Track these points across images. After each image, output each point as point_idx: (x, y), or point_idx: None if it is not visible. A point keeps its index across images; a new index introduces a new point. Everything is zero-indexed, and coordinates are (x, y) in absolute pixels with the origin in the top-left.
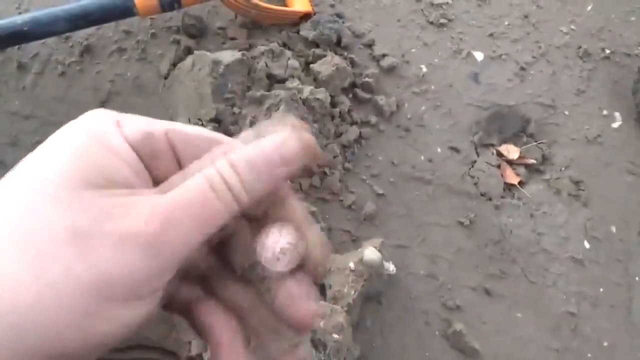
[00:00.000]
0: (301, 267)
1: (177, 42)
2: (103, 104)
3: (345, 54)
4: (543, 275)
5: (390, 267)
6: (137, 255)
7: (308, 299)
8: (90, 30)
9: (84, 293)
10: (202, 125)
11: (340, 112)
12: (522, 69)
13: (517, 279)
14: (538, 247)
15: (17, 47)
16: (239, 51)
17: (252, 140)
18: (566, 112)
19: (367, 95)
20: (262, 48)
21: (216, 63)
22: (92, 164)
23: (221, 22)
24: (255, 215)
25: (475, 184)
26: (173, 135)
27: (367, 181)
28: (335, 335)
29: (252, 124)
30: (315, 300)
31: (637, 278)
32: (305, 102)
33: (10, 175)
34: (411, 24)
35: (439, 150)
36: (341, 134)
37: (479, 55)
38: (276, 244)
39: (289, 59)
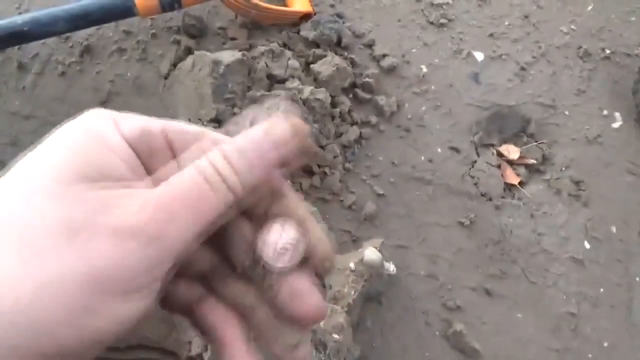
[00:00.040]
0: (303, 263)
1: (178, 42)
2: (103, 104)
3: (346, 54)
4: (543, 276)
5: (391, 267)
6: (132, 248)
7: (311, 294)
8: (91, 30)
9: (79, 288)
10: (203, 125)
11: (340, 113)
12: (523, 69)
13: (518, 279)
14: (538, 247)
15: (17, 47)
16: (239, 51)
17: (241, 129)
18: (566, 112)
19: (367, 96)
20: (262, 48)
21: (216, 63)
22: (88, 159)
23: (221, 22)
24: (256, 212)
25: (476, 184)
26: (170, 132)
27: (368, 181)
28: (336, 336)
29: (252, 124)
30: (318, 295)
31: (637, 278)
32: (305, 102)
33: (8, 172)
34: (411, 24)
35: (439, 150)
36: (341, 134)
37: (479, 56)
38: (278, 240)
39: (289, 59)
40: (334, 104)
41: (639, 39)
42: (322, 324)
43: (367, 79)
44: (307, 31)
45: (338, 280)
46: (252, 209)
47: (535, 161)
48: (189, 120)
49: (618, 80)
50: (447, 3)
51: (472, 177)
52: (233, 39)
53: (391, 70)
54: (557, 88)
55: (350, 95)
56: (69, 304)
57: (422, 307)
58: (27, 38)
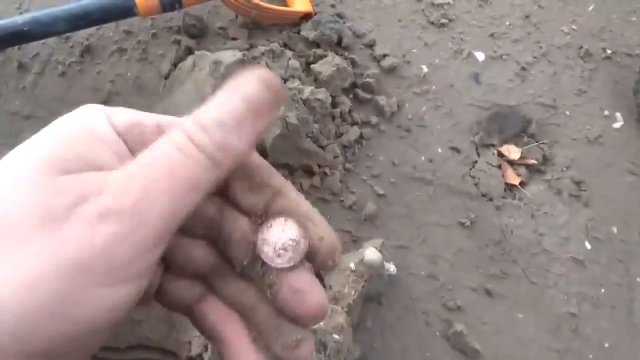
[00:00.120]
0: (302, 261)
1: (178, 42)
2: (103, 104)
3: (346, 54)
4: (544, 276)
5: (391, 267)
6: (112, 232)
7: (312, 291)
8: (91, 30)
9: (60, 278)
10: None
11: (340, 113)
12: (523, 69)
13: (518, 280)
14: (539, 247)
15: (17, 47)
16: (240, 51)
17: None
18: (567, 113)
19: (367, 96)
20: (262, 48)
21: (217, 63)
22: (75, 149)
23: (222, 22)
24: (256, 210)
25: (476, 184)
26: (166, 127)
27: (368, 181)
28: (336, 336)
29: None
30: (320, 292)
31: (638, 279)
32: (305, 102)
33: None
34: (412, 24)
35: (439, 150)
36: (342, 135)
37: (479, 56)
38: (278, 239)
39: (289, 59)
40: (334, 104)
41: None
42: (322, 324)
43: (367, 79)
44: (308, 31)
45: (338, 281)
46: (251, 206)
47: (536, 161)
48: None
49: (619, 80)
50: (448, 3)
51: (473, 177)
52: (234, 39)
53: (392, 70)
54: (557, 88)
55: (351, 96)
56: (51, 295)
57: (423, 308)
58: (27, 38)
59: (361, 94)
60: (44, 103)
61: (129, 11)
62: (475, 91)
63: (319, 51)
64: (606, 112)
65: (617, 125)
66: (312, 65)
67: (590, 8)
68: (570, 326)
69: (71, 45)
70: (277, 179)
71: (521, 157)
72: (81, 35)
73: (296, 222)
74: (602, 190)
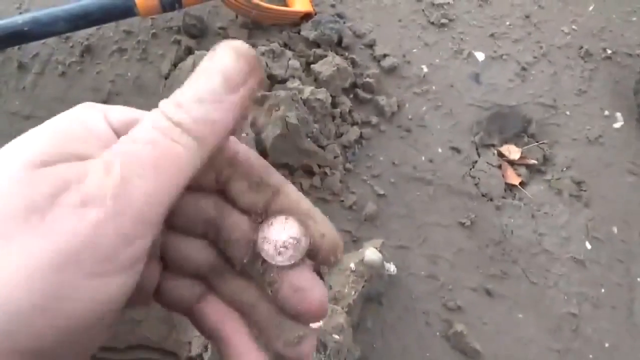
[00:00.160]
0: (303, 259)
1: (178, 42)
2: (103, 104)
3: (346, 54)
4: (544, 276)
5: (391, 267)
6: (96, 218)
7: (314, 289)
8: (91, 30)
9: (48, 271)
10: None
11: (341, 113)
12: (524, 69)
13: (518, 280)
14: (539, 247)
15: (17, 47)
16: None
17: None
18: (567, 113)
19: (368, 96)
20: (262, 48)
21: None
22: (67, 146)
23: (222, 22)
24: (256, 209)
25: (476, 184)
26: None
27: (368, 182)
28: (336, 336)
29: (252, 124)
30: (321, 289)
31: (638, 279)
32: (306, 102)
33: None
34: (412, 24)
35: (439, 150)
36: (342, 135)
37: (480, 56)
38: (278, 237)
39: (289, 59)
40: (334, 104)
41: None
42: (322, 323)
43: (367, 79)
44: (308, 31)
45: (338, 281)
46: (250, 205)
47: (536, 161)
48: None
49: (619, 80)
50: (448, 3)
51: (473, 177)
52: (234, 39)
53: (392, 70)
54: (558, 88)
55: (351, 96)
56: (39, 290)
57: (423, 308)
58: (27, 38)
59: (361, 94)
60: (44, 103)
61: (129, 11)
62: (475, 91)
63: (319, 51)
64: (606, 112)
65: (617, 125)
66: (312, 65)
67: (591, 8)
68: (570, 326)
69: (71, 45)
70: (276, 177)
71: (521, 157)
72: (81, 35)
73: (297, 220)
74: (603, 190)
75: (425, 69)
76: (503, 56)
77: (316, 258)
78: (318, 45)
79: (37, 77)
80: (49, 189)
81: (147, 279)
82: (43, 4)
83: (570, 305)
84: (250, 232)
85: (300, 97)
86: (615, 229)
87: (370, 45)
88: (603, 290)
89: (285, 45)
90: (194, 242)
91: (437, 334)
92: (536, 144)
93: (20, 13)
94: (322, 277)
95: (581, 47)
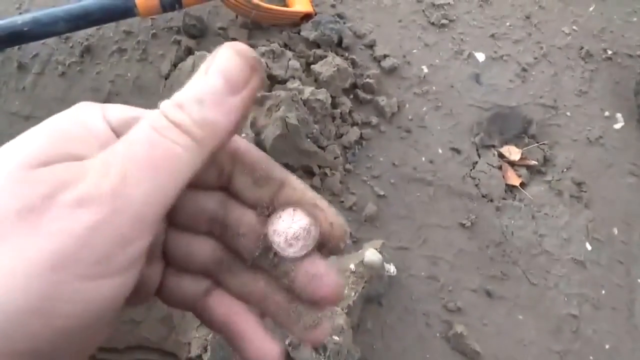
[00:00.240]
0: (314, 248)
1: (178, 42)
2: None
3: (346, 54)
4: (544, 277)
5: (391, 268)
6: (93, 218)
7: (329, 275)
8: (91, 30)
9: (41, 275)
10: None
11: (341, 113)
12: (524, 69)
13: (519, 281)
14: (539, 248)
15: (17, 47)
16: None
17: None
18: (568, 113)
19: (368, 96)
20: (262, 49)
21: None
22: (64, 145)
23: (222, 22)
24: (262, 203)
25: (477, 185)
26: None
27: (368, 182)
28: (336, 337)
29: (252, 124)
30: (335, 274)
31: (639, 280)
32: (306, 102)
33: None
34: (412, 25)
35: (440, 151)
36: (342, 135)
37: (480, 56)
38: (288, 229)
39: (289, 59)
40: (334, 105)
41: None
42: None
43: (367, 80)
44: (308, 32)
45: None
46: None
47: (536, 162)
48: None
49: (620, 81)
50: (448, 4)
51: (473, 178)
52: (234, 39)
53: (392, 70)
54: (558, 89)
55: (351, 96)
56: (35, 290)
57: (423, 309)
58: (27, 38)
59: (361, 94)
60: (44, 103)
61: (129, 11)
62: (475, 92)
63: (319, 52)
64: (607, 113)
65: (617, 126)
66: (312, 66)
67: (591, 9)
68: (570, 327)
69: (71, 45)
70: (279, 170)
71: (522, 158)
72: (81, 35)
73: (305, 210)
74: (603, 191)
75: (425, 70)
76: (503, 57)
77: (326, 246)
78: (318, 46)
79: (37, 77)
80: (46, 189)
81: (148, 278)
82: (43, 4)
83: (570, 306)
84: (258, 225)
85: (301, 98)
86: (615, 230)
87: (371, 46)
88: (603, 292)
89: (286, 45)
90: (198, 239)
91: (437, 335)
92: (536, 144)
93: (20, 13)
94: None
95: (582, 48)
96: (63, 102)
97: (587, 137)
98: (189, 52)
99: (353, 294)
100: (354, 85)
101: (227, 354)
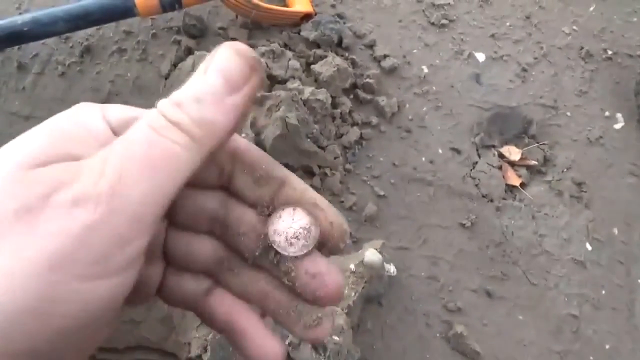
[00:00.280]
0: (314, 247)
1: (178, 42)
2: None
3: (346, 54)
4: (544, 277)
5: (391, 268)
6: (89, 218)
7: (330, 273)
8: (91, 30)
9: (37, 276)
10: None
11: (341, 113)
12: (524, 69)
13: (519, 281)
14: (539, 248)
15: (17, 47)
16: None
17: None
18: (568, 114)
19: (368, 96)
20: (262, 49)
21: None
22: (63, 145)
23: (222, 22)
24: (262, 202)
25: (477, 185)
26: None
27: (368, 182)
28: (336, 338)
29: (252, 125)
30: (336, 272)
31: (639, 280)
32: (306, 102)
33: None
34: (412, 25)
35: (440, 151)
36: (342, 135)
37: (480, 56)
38: (288, 229)
39: (289, 59)
40: (334, 105)
41: None
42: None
43: (368, 80)
44: (308, 32)
45: None
46: (257, 199)
47: (536, 162)
48: None
49: (620, 81)
50: (448, 4)
51: (473, 178)
52: (234, 39)
53: (392, 71)
54: (558, 89)
55: (351, 96)
56: (32, 290)
57: (423, 309)
58: (27, 38)
59: (361, 94)
60: (44, 103)
61: (129, 11)
62: (475, 92)
63: (319, 52)
64: (607, 113)
65: (617, 126)
66: (312, 66)
67: (591, 9)
68: (571, 328)
69: (71, 45)
70: (280, 169)
71: (522, 158)
72: (81, 35)
73: (305, 210)
74: (603, 191)
75: (425, 70)
76: (503, 57)
77: (326, 246)
78: (318, 46)
79: (37, 77)
80: (43, 188)
81: (149, 278)
82: (43, 4)
83: (570, 306)
84: (259, 225)
85: (301, 98)
86: (615, 230)
87: (371, 46)
88: (604, 292)
89: (286, 45)
90: (199, 239)
91: (437, 335)
92: (537, 145)
93: (20, 13)
94: None
95: (582, 48)
96: (63, 102)
97: (587, 137)
98: (189, 52)
99: (353, 294)
100: (354, 85)
101: (227, 354)
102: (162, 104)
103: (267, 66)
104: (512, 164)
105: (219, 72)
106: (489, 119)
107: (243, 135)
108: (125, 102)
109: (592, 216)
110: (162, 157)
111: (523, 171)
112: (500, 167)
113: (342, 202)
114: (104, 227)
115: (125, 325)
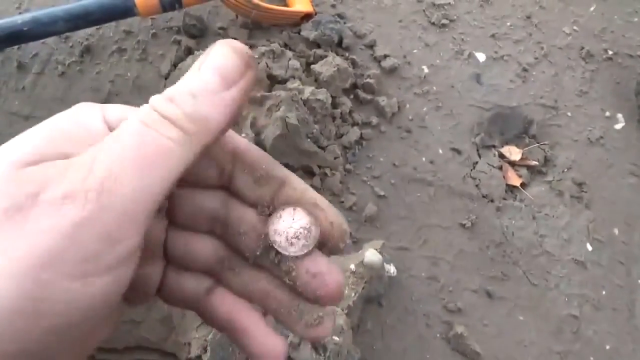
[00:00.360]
0: (314, 246)
1: (178, 42)
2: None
3: (347, 54)
4: (545, 278)
5: (391, 269)
6: (79, 214)
7: (331, 272)
8: (91, 30)
9: (27, 275)
10: None
11: (341, 113)
12: (524, 70)
13: (519, 281)
14: (540, 249)
15: (17, 47)
16: None
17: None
18: (568, 114)
19: (368, 96)
20: (263, 48)
21: None
22: (60, 145)
23: (222, 22)
24: (262, 202)
25: (477, 185)
26: None
27: (368, 182)
28: (336, 338)
29: (252, 125)
30: (337, 271)
31: (639, 281)
32: (306, 102)
33: None
34: (413, 25)
35: (440, 151)
36: (342, 135)
37: (480, 56)
38: (289, 229)
39: (289, 59)
40: (334, 105)
41: None
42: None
43: (368, 80)
44: (308, 31)
45: None
46: (257, 198)
47: (537, 162)
48: None
49: (620, 81)
50: (449, 4)
51: (474, 178)
52: (234, 39)
53: (392, 71)
54: (559, 89)
55: (351, 96)
56: (22, 289)
57: (423, 309)
58: (27, 38)
59: (362, 94)
60: (44, 103)
61: (129, 11)
62: (476, 92)
63: (319, 51)
64: (607, 113)
65: (618, 126)
66: (312, 66)
67: (592, 9)
68: (571, 328)
69: (71, 45)
70: (280, 169)
71: (522, 158)
72: (81, 35)
73: (305, 210)
74: (604, 191)
75: (425, 70)
76: (504, 57)
77: (326, 245)
78: (318, 46)
79: (37, 77)
80: (33, 187)
81: (149, 277)
82: (43, 4)
83: (571, 307)
84: (259, 224)
85: (301, 98)
86: (616, 231)
87: (371, 46)
88: (604, 292)
89: (286, 45)
90: (200, 238)
91: (438, 335)
92: (537, 145)
93: (20, 13)
94: None
95: (582, 48)
96: (63, 102)
97: (587, 138)
98: (189, 52)
99: (353, 294)
100: (354, 85)
101: (227, 354)
102: (155, 99)
103: (267, 66)
104: (513, 164)
105: (214, 69)
106: (489, 119)
107: (243, 135)
108: (125, 102)
109: (593, 216)
110: (154, 152)
111: (523, 171)
112: (500, 167)
113: (342, 202)
114: (93, 224)
115: (125, 325)
